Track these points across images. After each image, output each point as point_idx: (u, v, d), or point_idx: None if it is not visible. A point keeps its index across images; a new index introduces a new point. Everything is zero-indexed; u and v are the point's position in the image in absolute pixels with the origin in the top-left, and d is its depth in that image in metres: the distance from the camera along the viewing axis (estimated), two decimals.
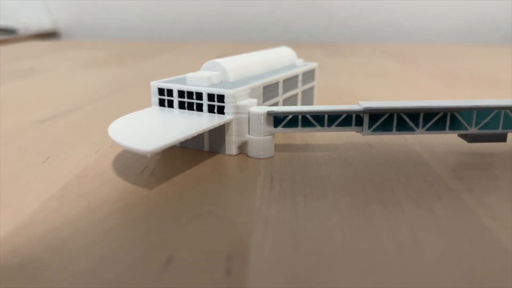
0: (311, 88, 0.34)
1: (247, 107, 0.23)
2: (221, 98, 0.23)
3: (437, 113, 0.23)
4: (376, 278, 0.14)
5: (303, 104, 0.32)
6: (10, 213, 0.18)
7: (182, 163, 0.23)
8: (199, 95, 0.24)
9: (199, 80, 0.24)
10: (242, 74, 0.27)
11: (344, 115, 0.23)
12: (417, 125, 0.23)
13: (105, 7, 1.18)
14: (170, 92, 0.25)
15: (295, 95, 0.31)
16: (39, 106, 0.36)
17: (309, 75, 0.33)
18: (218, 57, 0.46)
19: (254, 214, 0.18)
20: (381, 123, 0.23)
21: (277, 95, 0.28)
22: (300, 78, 0.31)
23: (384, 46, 0.94)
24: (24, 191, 0.20)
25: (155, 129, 0.22)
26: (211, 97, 0.24)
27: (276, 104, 0.28)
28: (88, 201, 0.19)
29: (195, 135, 0.21)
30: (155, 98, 0.25)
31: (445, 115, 0.23)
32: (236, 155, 0.24)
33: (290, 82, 0.30)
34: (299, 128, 0.23)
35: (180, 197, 0.19)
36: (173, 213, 0.18)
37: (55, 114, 0.34)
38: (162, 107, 0.25)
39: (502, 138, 0.23)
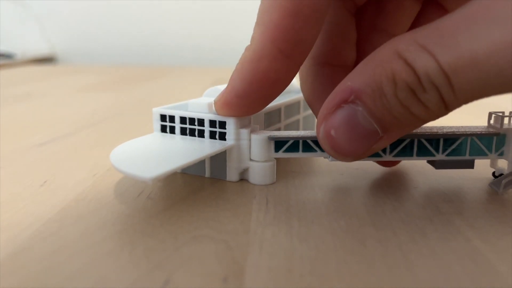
0: (311, 115, 0.34)
1: (249, 133, 0.24)
2: (222, 124, 0.24)
3: (404, 140, 0.23)
4: None
5: (304, 129, 0.33)
6: (9, 236, 0.18)
7: (179, 187, 0.24)
8: (201, 122, 0.24)
9: (201, 106, 0.25)
10: None
11: None
12: (384, 151, 0.23)
13: (102, 32, 1.20)
14: (172, 118, 0.25)
15: (297, 121, 0.32)
16: (36, 131, 0.37)
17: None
18: (215, 82, 0.47)
19: (249, 237, 0.18)
20: None
21: (279, 121, 0.29)
22: (301, 104, 0.32)
23: None
24: (22, 214, 0.20)
25: (156, 155, 0.22)
26: (212, 123, 0.24)
27: (278, 130, 0.29)
28: (86, 224, 0.19)
29: (197, 161, 0.22)
30: (157, 124, 0.26)
31: (412, 142, 0.23)
32: (237, 181, 0.24)
33: (292, 108, 0.30)
34: (300, 152, 0.24)
35: (176, 220, 0.20)
36: (170, 236, 0.18)
37: (52, 138, 0.34)
38: (164, 133, 0.26)
39: (470, 164, 0.24)
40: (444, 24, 0.16)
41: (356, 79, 0.18)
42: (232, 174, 0.24)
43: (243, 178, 0.25)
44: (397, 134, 0.19)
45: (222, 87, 0.27)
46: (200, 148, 0.23)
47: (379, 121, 0.18)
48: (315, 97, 0.25)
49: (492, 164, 0.25)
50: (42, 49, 1.21)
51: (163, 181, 0.24)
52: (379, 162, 0.26)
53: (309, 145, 0.24)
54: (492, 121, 0.24)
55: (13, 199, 0.22)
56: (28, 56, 1.14)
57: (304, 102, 0.32)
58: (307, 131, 0.24)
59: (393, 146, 0.23)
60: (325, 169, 0.27)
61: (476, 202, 0.22)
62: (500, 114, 0.23)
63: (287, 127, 0.30)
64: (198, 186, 0.24)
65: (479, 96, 0.16)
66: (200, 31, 1.16)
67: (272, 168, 0.24)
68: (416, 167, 0.27)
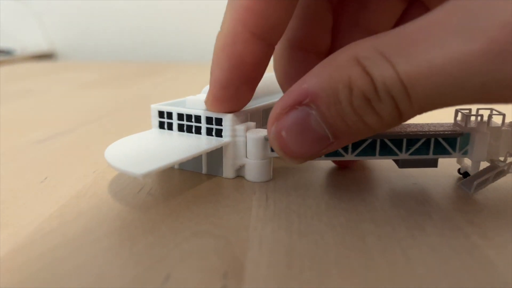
0: None
1: (245, 130, 0.24)
2: (219, 121, 0.24)
3: (365, 140, 0.23)
4: None
5: None
6: (9, 233, 0.18)
7: (179, 184, 0.24)
8: (198, 118, 0.24)
9: (198, 103, 0.25)
10: None
11: None
12: (346, 150, 0.23)
13: (101, 29, 1.20)
14: (169, 115, 0.25)
15: None
16: (36, 127, 0.37)
17: None
18: None
19: (249, 233, 0.18)
20: None
21: None
22: None
23: None
24: (23, 210, 0.20)
25: (150, 151, 0.22)
26: (209, 120, 0.24)
27: None
28: (86, 220, 0.19)
29: (190, 158, 0.22)
30: (155, 120, 0.26)
31: (374, 142, 0.23)
32: (233, 178, 0.24)
33: None
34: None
35: (176, 216, 0.20)
36: (170, 232, 0.18)
37: (52, 135, 0.34)
38: (162, 130, 0.26)
39: (433, 163, 0.23)
40: (406, 31, 0.16)
41: (313, 81, 0.17)
42: (228, 171, 0.24)
43: (239, 175, 0.25)
44: (348, 141, 0.19)
45: None
46: (196, 145, 0.23)
47: (331, 127, 0.17)
48: (286, 80, 0.25)
49: (459, 161, 0.25)
50: (41, 46, 1.21)
51: (162, 178, 0.24)
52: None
53: None
54: (458, 118, 0.23)
55: (13, 196, 0.22)
56: (27, 52, 1.14)
57: None
58: None
59: (355, 145, 0.23)
60: (324, 165, 0.27)
61: (475, 198, 0.22)
62: (467, 111, 0.23)
63: None
64: (197, 182, 0.24)
65: (435, 106, 0.16)
66: (199, 27, 1.16)
67: (268, 165, 0.24)
68: None
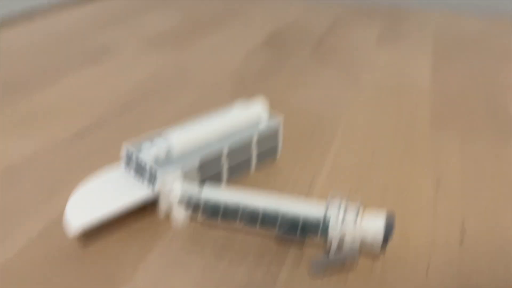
0: (273, 143, 0.40)
1: (170, 187, 0.32)
2: (154, 175, 0.32)
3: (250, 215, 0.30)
4: None
5: (259, 159, 0.39)
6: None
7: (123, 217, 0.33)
8: (144, 167, 0.33)
9: (148, 155, 0.33)
10: (188, 146, 0.35)
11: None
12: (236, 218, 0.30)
13: None
14: (132, 156, 0.34)
15: (247, 155, 0.38)
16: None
17: (269, 133, 0.39)
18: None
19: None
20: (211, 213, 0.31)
21: (219, 161, 0.36)
22: (254, 140, 0.38)
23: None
24: None
25: (93, 202, 0.31)
26: (149, 171, 0.33)
27: (219, 169, 0.36)
28: None
29: (118, 212, 0.31)
30: (124, 159, 0.35)
31: (255, 217, 0.30)
32: (164, 217, 0.33)
33: (239, 147, 0.37)
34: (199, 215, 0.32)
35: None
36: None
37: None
38: (125, 168, 0.35)
39: (302, 240, 0.30)
40: None
41: None
42: (161, 213, 0.33)
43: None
44: None
45: (170, 136, 0.34)
46: (129, 196, 0.32)
47: None
48: None
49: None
50: None
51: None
52: None
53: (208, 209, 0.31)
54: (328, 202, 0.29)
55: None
56: None
57: (259, 137, 0.38)
58: (211, 194, 0.31)
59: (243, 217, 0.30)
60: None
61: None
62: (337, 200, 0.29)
63: (230, 165, 0.37)
64: (134, 223, 0.33)
65: None
66: None
67: (185, 214, 0.32)
68: None
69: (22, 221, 0.32)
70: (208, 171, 0.35)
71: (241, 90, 0.57)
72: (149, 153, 0.33)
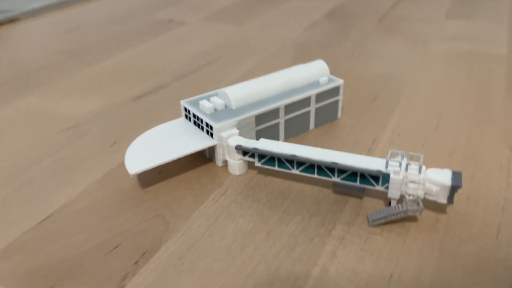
0: (333, 103, 0.39)
1: (226, 138, 0.32)
2: (211, 127, 0.32)
3: (305, 162, 0.29)
4: None
5: (318, 119, 0.38)
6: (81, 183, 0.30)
7: (182, 166, 0.33)
8: (202, 121, 0.33)
9: (206, 108, 0.33)
10: (246, 101, 0.35)
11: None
12: (292, 166, 0.29)
13: None
14: (189, 111, 0.35)
15: (305, 113, 0.37)
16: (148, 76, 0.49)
17: (329, 93, 0.38)
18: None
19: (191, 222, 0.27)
20: (268, 159, 0.30)
21: (277, 117, 0.35)
22: (313, 98, 0.37)
23: None
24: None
25: (155, 148, 0.32)
26: (207, 124, 0.33)
27: (276, 126, 0.36)
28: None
29: (182, 156, 0.31)
30: (183, 112, 0.35)
31: (312, 164, 0.29)
32: (221, 166, 0.34)
33: (297, 105, 0.36)
34: (257, 160, 0.31)
35: (152, 199, 0.30)
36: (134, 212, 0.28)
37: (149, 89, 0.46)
38: (186, 120, 0.35)
39: (361, 190, 0.28)
40: None
41: None
42: (218, 161, 0.33)
43: (225, 164, 0.33)
44: None
45: (228, 90, 0.34)
46: (193, 143, 0.32)
47: None
48: None
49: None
50: None
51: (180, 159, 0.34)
52: None
53: (263, 155, 0.30)
54: (388, 157, 0.27)
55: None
56: None
57: (317, 96, 0.38)
58: (271, 144, 0.31)
59: (299, 164, 0.29)
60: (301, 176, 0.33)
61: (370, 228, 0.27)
62: (400, 153, 0.27)
63: (288, 121, 0.36)
64: (195, 169, 0.33)
65: None
66: None
67: (243, 164, 0.32)
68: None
69: (89, 167, 0.34)
70: (265, 127, 0.35)
71: (303, 57, 0.56)
72: (206, 106, 0.33)
